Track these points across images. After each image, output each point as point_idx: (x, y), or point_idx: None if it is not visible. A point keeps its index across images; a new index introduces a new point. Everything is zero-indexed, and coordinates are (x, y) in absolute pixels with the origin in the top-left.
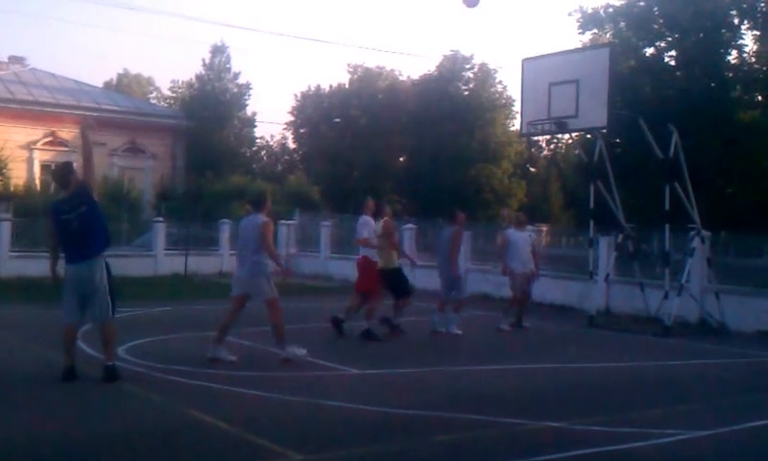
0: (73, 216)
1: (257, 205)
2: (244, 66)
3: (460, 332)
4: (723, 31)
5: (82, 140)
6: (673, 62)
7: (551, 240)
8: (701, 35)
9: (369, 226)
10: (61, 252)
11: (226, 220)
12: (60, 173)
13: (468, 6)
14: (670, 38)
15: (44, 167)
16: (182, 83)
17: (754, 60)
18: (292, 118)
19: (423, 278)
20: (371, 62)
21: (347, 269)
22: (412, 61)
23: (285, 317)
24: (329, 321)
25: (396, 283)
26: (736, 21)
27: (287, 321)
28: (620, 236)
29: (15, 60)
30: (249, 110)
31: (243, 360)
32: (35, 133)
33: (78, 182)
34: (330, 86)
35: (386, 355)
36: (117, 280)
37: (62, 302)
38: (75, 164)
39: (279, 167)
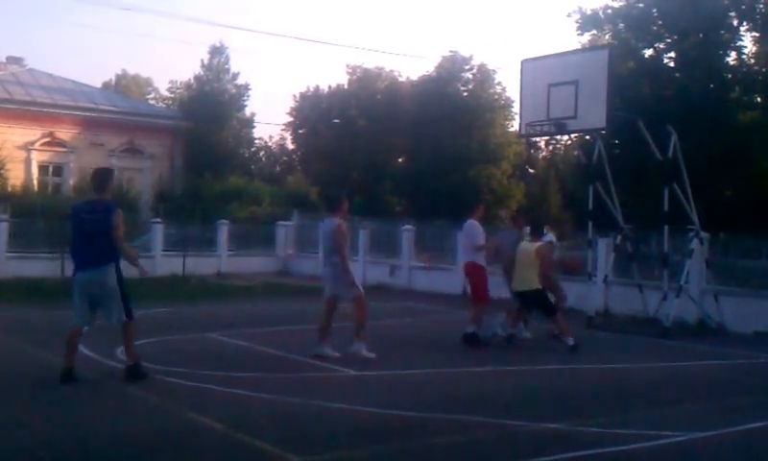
0: (89, 218)
1: (332, 207)
2: (243, 67)
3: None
4: (722, 32)
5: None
6: (672, 64)
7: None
8: (700, 36)
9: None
10: (71, 253)
11: (224, 221)
12: (99, 176)
13: None
14: (669, 40)
15: (42, 168)
16: (181, 83)
17: (753, 61)
18: (290, 119)
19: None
20: (370, 63)
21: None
22: (411, 62)
23: (284, 317)
24: (463, 341)
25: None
26: (735, 23)
27: (286, 321)
28: (619, 237)
29: (13, 60)
30: (247, 111)
31: (241, 362)
32: (32, 133)
33: (110, 194)
34: (329, 87)
35: (384, 357)
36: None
37: (72, 303)
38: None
39: (278, 168)
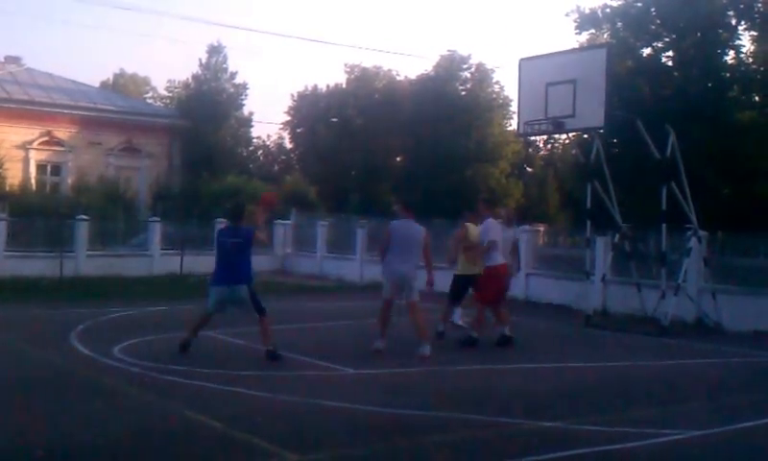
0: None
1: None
2: (241, 66)
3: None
4: (720, 31)
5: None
6: (670, 63)
7: (548, 240)
8: (698, 35)
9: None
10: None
11: (222, 220)
12: (234, 210)
13: None
14: (667, 39)
15: (40, 167)
16: (179, 82)
17: (751, 60)
18: (288, 118)
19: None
20: (368, 62)
21: (343, 269)
22: (409, 61)
23: (282, 316)
24: (498, 344)
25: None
26: (734, 22)
27: (284, 320)
28: (617, 236)
29: (12, 59)
30: (245, 110)
31: (238, 360)
32: (31, 132)
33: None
34: (327, 86)
35: (381, 355)
36: (113, 281)
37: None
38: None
39: (276, 167)
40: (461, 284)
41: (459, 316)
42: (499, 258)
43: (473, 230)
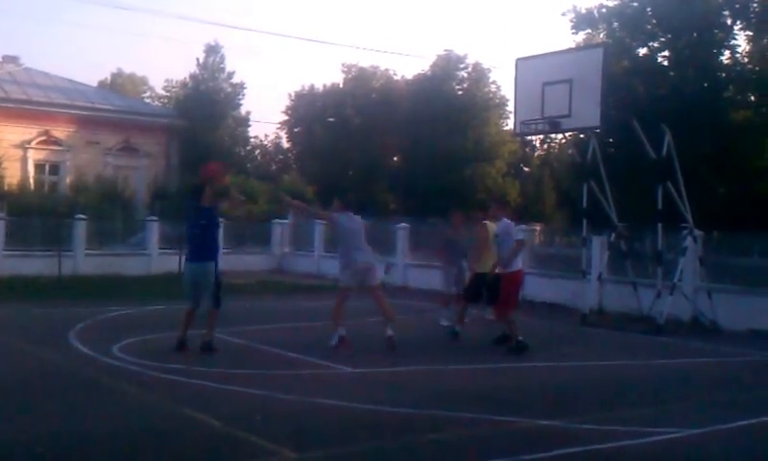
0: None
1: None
2: (238, 66)
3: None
4: (716, 31)
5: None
6: (666, 63)
7: (544, 239)
8: (694, 35)
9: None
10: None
11: (219, 219)
12: (193, 193)
13: None
14: (663, 39)
15: (38, 166)
16: (176, 82)
17: (746, 60)
18: (286, 118)
19: (418, 277)
20: (365, 62)
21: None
22: (406, 61)
23: (280, 315)
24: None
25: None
26: (729, 22)
27: (282, 319)
28: (613, 235)
29: (9, 59)
30: (243, 110)
31: (237, 358)
32: (29, 132)
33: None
34: (324, 86)
35: (380, 354)
36: (111, 280)
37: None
38: None
39: (273, 166)
40: (479, 283)
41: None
42: (520, 263)
43: (492, 228)
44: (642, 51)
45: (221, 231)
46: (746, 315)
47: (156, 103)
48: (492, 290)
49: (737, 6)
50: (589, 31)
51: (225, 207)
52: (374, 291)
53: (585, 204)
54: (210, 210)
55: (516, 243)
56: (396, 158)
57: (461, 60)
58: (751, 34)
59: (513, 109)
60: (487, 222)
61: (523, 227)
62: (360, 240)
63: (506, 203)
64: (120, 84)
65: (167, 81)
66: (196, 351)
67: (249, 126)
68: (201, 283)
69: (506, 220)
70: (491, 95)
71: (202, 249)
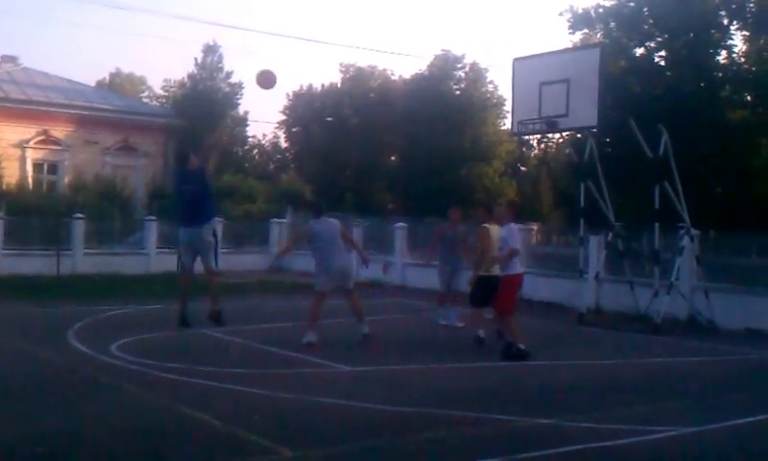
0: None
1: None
2: (236, 66)
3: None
4: (712, 31)
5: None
6: (663, 63)
7: (542, 239)
8: (690, 35)
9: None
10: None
11: (218, 218)
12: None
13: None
14: (660, 39)
15: (37, 165)
16: (175, 82)
17: (743, 60)
18: (284, 117)
19: (416, 276)
20: (362, 62)
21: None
22: (404, 61)
23: (279, 314)
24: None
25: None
26: (726, 22)
27: (281, 318)
28: (610, 235)
29: (8, 59)
30: (241, 109)
31: (236, 357)
32: (27, 131)
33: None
34: (322, 86)
35: (376, 353)
36: (110, 279)
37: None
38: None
39: (271, 166)
40: (483, 286)
41: (456, 316)
42: (518, 267)
43: (495, 231)
44: (639, 51)
45: (219, 229)
46: (743, 314)
47: (155, 103)
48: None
49: (734, 6)
50: (586, 31)
51: (211, 167)
52: (350, 296)
53: (582, 203)
54: (198, 172)
55: (509, 250)
56: (393, 158)
57: (458, 59)
58: (747, 34)
59: (510, 109)
60: (488, 225)
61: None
62: (335, 244)
63: (515, 205)
64: (118, 84)
65: (165, 80)
66: (194, 347)
67: (247, 125)
68: (197, 247)
69: (512, 225)
70: (488, 95)
71: (194, 212)
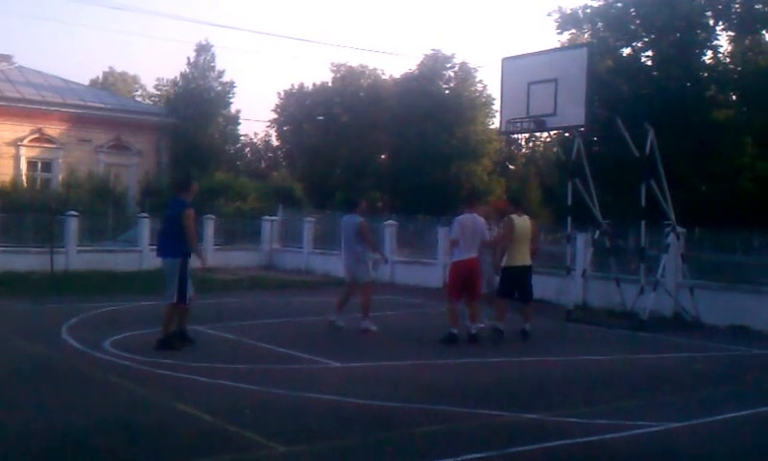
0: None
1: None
2: (228, 65)
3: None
4: (698, 32)
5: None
6: (649, 62)
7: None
8: (677, 35)
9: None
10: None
11: (210, 216)
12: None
13: None
14: (647, 39)
15: (31, 163)
16: (167, 81)
17: (728, 60)
18: (275, 116)
19: (405, 273)
20: (353, 61)
21: (329, 264)
22: (394, 60)
23: (270, 310)
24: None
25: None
26: (711, 22)
27: (272, 314)
28: (597, 232)
29: (2, 57)
30: (233, 108)
31: (227, 354)
32: (22, 129)
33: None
34: (313, 85)
35: (367, 349)
36: (103, 276)
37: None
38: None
39: (263, 164)
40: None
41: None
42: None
43: (521, 223)
44: (626, 51)
45: (212, 226)
46: (727, 311)
47: (148, 101)
48: (521, 285)
49: (720, 7)
50: (574, 31)
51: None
52: (362, 288)
53: (569, 201)
54: (181, 204)
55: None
56: (383, 156)
57: (448, 59)
58: (733, 34)
59: (498, 108)
60: (514, 216)
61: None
62: (346, 242)
63: (519, 201)
64: (112, 83)
65: (158, 79)
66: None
67: (239, 124)
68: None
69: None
70: (477, 94)
71: (163, 240)
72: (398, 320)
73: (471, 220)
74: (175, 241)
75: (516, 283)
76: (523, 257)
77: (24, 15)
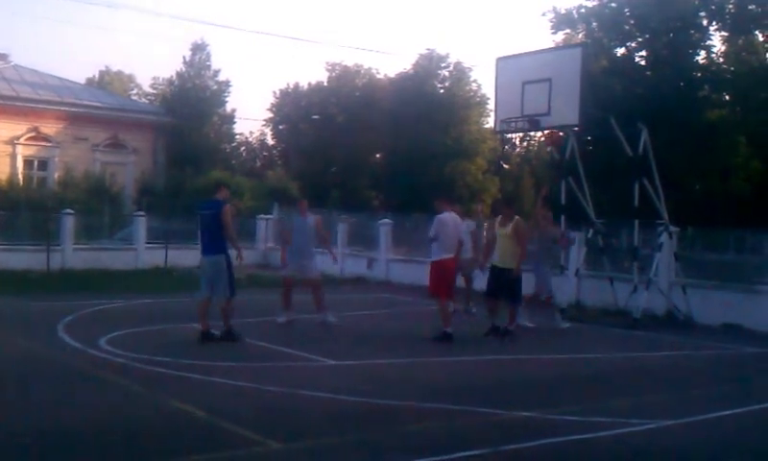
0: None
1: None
2: (224, 64)
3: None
4: (692, 32)
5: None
6: (643, 62)
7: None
8: (671, 35)
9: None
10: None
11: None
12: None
13: None
14: (641, 39)
15: (27, 162)
16: (163, 80)
17: (722, 60)
18: (271, 115)
19: (400, 271)
20: (348, 61)
21: (324, 263)
22: (389, 60)
23: (265, 309)
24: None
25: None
26: (705, 22)
27: (267, 312)
28: (590, 231)
29: None
30: (228, 107)
31: (222, 352)
32: (18, 128)
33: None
34: (309, 84)
35: (361, 347)
36: (99, 274)
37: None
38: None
39: (258, 163)
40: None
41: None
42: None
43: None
44: (620, 51)
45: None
46: (719, 310)
47: (144, 100)
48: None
49: (713, 7)
50: (569, 31)
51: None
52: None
53: (563, 200)
54: (219, 204)
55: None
56: (378, 155)
57: (442, 59)
58: (726, 34)
59: (493, 108)
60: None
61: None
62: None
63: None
64: (108, 82)
65: (154, 78)
66: (181, 341)
67: (234, 123)
68: (210, 275)
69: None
70: (471, 94)
71: (209, 241)
72: (393, 318)
73: (452, 219)
74: (218, 239)
75: (495, 283)
76: (503, 259)
77: (20, 14)
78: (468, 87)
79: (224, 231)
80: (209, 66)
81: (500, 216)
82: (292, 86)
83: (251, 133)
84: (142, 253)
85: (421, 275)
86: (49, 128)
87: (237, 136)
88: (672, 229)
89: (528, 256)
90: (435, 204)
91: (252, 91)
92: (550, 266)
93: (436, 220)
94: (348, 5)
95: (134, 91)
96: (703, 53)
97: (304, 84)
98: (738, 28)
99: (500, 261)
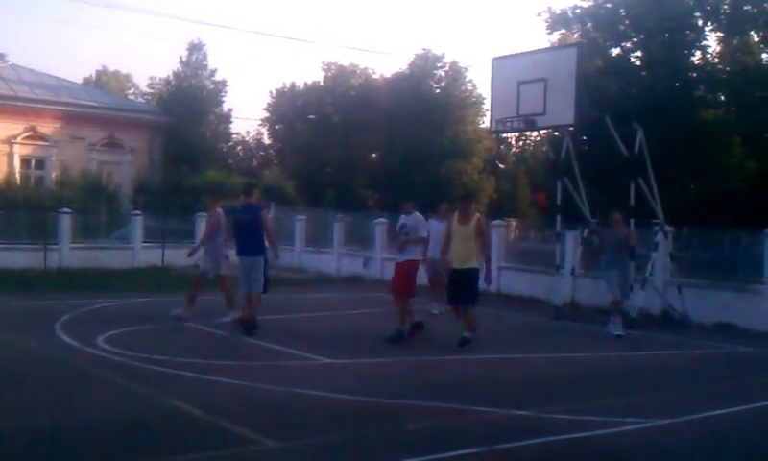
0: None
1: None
2: (220, 63)
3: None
4: (687, 32)
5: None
6: (639, 63)
7: (519, 235)
8: (666, 36)
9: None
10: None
11: (202, 213)
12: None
13: None
14: (636, 39)
15: (24, 161)
16: (160, 79)
17: (717, 60)
18: (267, 115)
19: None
20: (345, 60)
21: (320, 262)
22: (385, 60)
23: (262, 309)
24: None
25: None
26: (700, 23)
27: (262, 311)
28: (586, 231)
29: None
30: (225, 107)
31: (219, 350)
32: (15, 127)
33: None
34: (305, 84)
35: (356, 345)
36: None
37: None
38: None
39: (255, 162)
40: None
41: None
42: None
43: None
44: (616, 51)
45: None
46: (715, 309)
47: (140, 100)
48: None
49: (708, 7)
50: (564, 31)
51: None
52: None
53: (558, 200)
54: (257, 207)
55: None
56: (374, 155)
57: (438, 59)
58: (721, 35)
59: (489, 108)
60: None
61: (498, 222)
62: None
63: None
64: (105, 82)
65: (151, 78)
66: (179, 339)
67: (231, 122)
68: (249, 274)
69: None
70: (467, 93)
71: (251, 242)
72: (389, 317)
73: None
74: (258, 241)
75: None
76: (461, 260)
77: (17, 13)
78: (463, 87)
79: (265, 234)
80: (206, 66)
81: (456, 213)
82: (288, 86)
83: (247, 132)
84: (139, 251)
85: (418, 274)
86: (46, 127)
87: (234, 136)
88: (667, 228)
89: (600, 261)
90: (404, 206)
91: (248, 91)
92: (629, 269)
93: (426, 222)
94: (344, 5)
95: (131, 91)
96: (698, 53)
97: (301, 84)
98: (733, 28)
99: (459, 263)
